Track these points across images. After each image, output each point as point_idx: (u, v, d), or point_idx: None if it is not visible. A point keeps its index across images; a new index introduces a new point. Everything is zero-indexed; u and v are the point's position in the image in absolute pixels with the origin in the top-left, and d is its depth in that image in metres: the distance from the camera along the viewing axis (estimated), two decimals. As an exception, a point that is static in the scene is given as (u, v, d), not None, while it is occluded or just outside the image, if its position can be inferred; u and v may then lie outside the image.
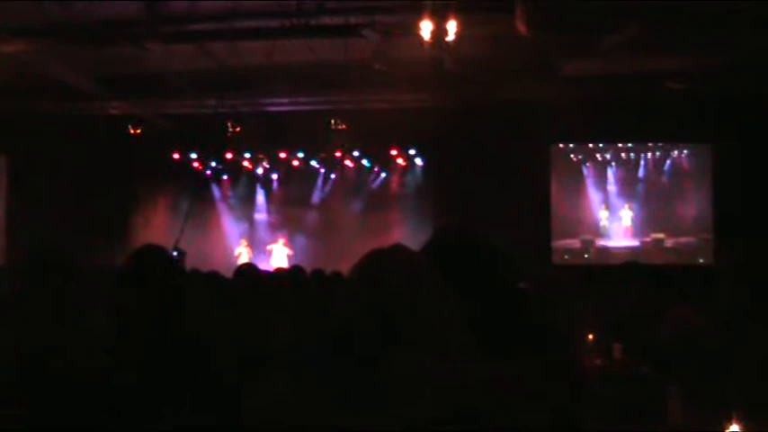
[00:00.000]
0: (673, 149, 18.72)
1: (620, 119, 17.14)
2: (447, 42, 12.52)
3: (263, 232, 20.63)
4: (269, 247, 19.64)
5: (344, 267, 8.92)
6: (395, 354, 1.77)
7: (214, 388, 2.85)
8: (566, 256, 18.49)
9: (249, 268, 6.17)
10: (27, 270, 3.44)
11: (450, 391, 1.72)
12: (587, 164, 19.04)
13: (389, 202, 19.92)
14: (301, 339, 4.64)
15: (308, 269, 8.29)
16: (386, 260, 2.02)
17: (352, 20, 13.11)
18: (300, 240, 19.97)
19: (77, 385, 2.70)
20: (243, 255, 19.46)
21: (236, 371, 3.19)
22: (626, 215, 18.76)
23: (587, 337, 5.88)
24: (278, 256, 19.36)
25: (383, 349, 1.79)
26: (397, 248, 2.06)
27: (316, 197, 20.59)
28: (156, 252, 3.64)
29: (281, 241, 19.68)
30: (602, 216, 18.87)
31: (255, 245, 20.09)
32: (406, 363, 1.74)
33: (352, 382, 1.76)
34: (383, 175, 20.19)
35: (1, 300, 4.56)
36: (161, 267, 3.51)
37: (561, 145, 18.94)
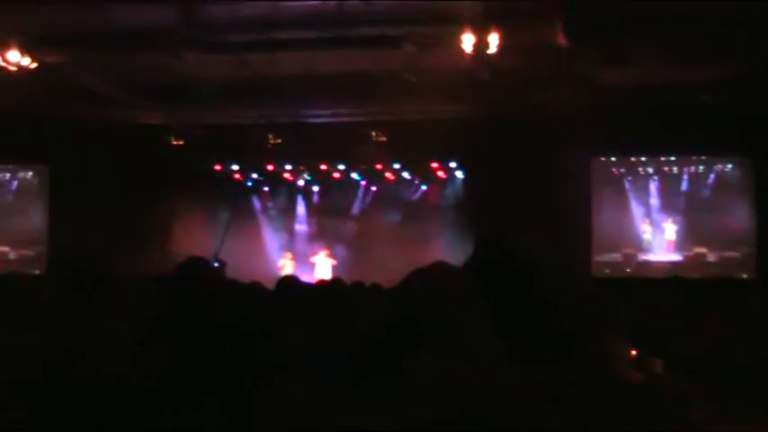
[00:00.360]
0: (716, 163, 18.50)
1: (662, 132, 16.94)
2: (487, 55, 12.50)
3: (303, 244, 20.67)
4: (312, 260, 19.63)
5: (383, 279, 8.89)
6: (420, 360, 1.77)
7: (240, 396, 2.85)
8: (606, 270, 18.29)
9: (291, 280, 6.16)
10: (62, 278, 3.46)
11: (463, 393, 1.72)
12: (629, 177, 18.85)
13: (429, 214, 19.88)
14: (329, 347, 4.64)
15: (348, 280, 8.27)
16: (426, 276, 2.02)
17: (390, 31, 13.13)
18: (340, 252, 19.96)
19: (101, 390, 2.72)
20: (286, 267, 19.47)
21: (267, 380, 3.18)
22: (669, 229, 18.54)
23: (628, 351, 5.81)
24: (322, 267, 19.35)
25: (411, 356, 1.79)
26: (439, 265, 2.06)
27: (356, 209, 20.60)
28: (201, 264, 3.65)
29: (324, 253, 19.68)
30: (645, 230, 18.68)
31: (296, 256, 20.12)
32: (428, 367, 1.74)
33: (372, 385, 1.76)
34: (423, 187, 20.18)
35: (38, 306, 4.60)
36: (205, 279, 3.52)
37: (603, 159, 18.79)
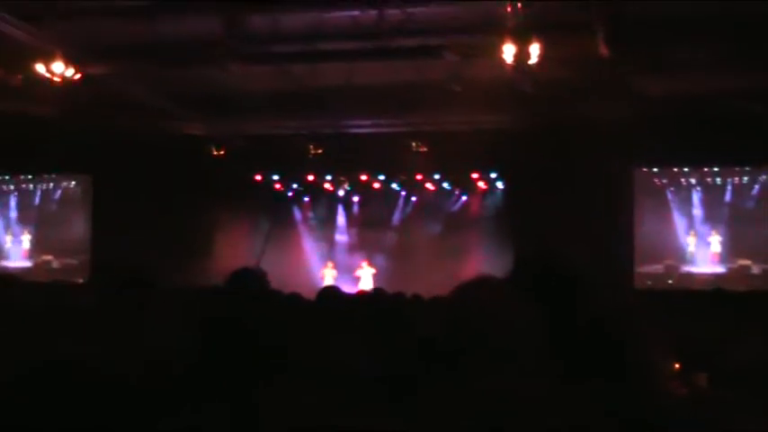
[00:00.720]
0: (760, 174, 18.30)
1: (705, 142, 16.77)
2: (529, 65, 12.47)
3: (343, 254, 20.70)
4: (357, 274, 19.63)
5: (423, 289, 8.90)
6: (470, 374, 1.79)
7: (283, 407, 2.87)
8: (648, 282, 18.14)
9: (332, 291, 6.17)
10: (106, 286, 3.50)
11: (514, 407, 1.72)
12: (671, 188, 18.70)
13: (469, 224, 19.83)
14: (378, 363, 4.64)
15: (388, 291, 8.28)
16: (473, 290, 2.03)
17: (432, 41, 13.15)
18: (380, 262, 19.95)
19: (145, 400, 2.75)
20: (327, 277, 19.50)
21: (308, 390, 3.20)
22: (714, 241, 18.33)
23: (671, 365, 5.76)
24: (365, 279, 19.33)
25: (460, 370, 1.80)
26: (485, 280, 2.07)
27: (396, 219, 20.59)
28: (254, 275, 3.68)
29: (365, 264, 19.71)
30: (688, 241, 18.51)
31: (336, 267, 20.15)
32: (478, 383, 1.75)
33: (418, 399, 1.77)
34: (463, 197, 20.15)
35: (81, 313, 4.65)
36: (257, 290, 3.56)
37: (645, 169, 18.67)
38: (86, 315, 3.86)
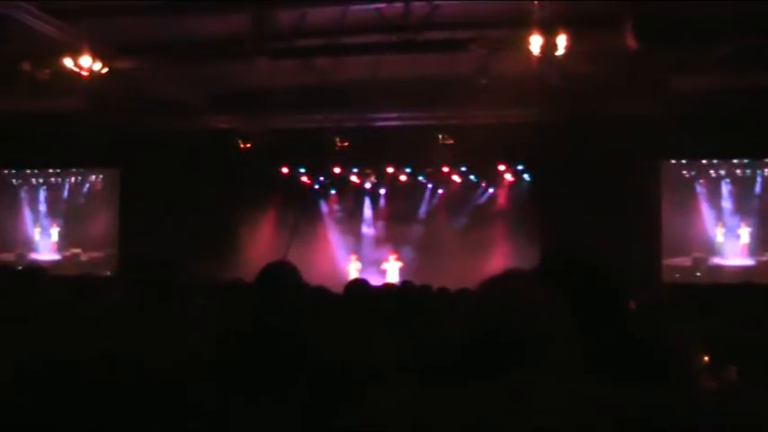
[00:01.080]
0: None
1: (734, 135, 16.67)
2: (555, 57, 12.43)
3: (370, 247, 20.73)
4: (383, 267, 19.63)
5: (450, 282, 8.91)
6: (502, 372, 1.79)
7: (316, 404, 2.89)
8: (676, 275, 18.06)
9: (359, 284, 6.19)
10: (132, 283, 3.53)
11: (550, 407, 1.73)
12: (700, 180, 18.59)
13: (496, 217, 19.80)
14: (406, 356, 4.66)
15: (415, 283, 8.29)
16: (503, 285, 2.03)
17: (458, 34, 13.13)
18: (406, 255, 19.93)
19: (174, 395, 2.77)
20: (352, 270, 19.55)
21: (339, 386, 3.22)
22: (744, 233, 18.21)
23: (701, 359, 5.74)
24: (392, 272, 19.32)
25: (490, 368, 1.81)
26: (515, 274, 2.07)
27: (422, 212, 20.60)
28: (288, 269, 3.70)
29: (393, 257, 19.69)
30: (717, 233, 18.40)
31: (363, 260, 20.18)
32: (512, 381, 1.76)
33: (449, 394, 1.78)
34: (490, 190, 20.13)
35: (108, 309, 4.70)
36: (292, 284, 3.58)
37: (673, 161, 18.57)
38: (117, 310, 3.89)
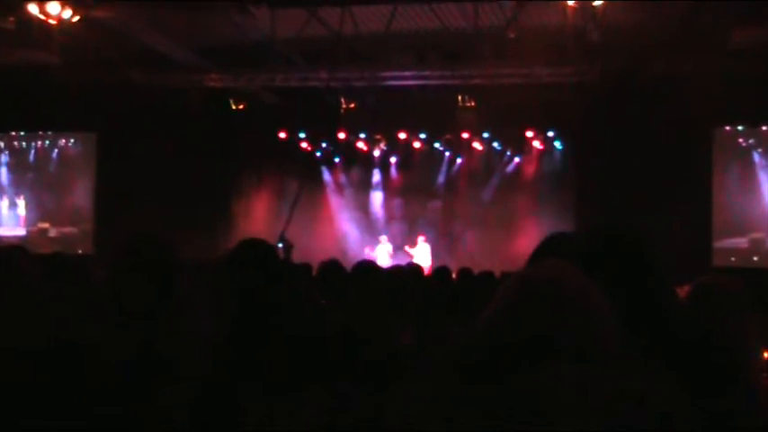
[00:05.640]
0: None
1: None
2: (594, 7, 12.42)
3: (378, 222, 20.71)
4: (409, 250, 18.97)
5: (472, 263, 8.93)
6: (551, 363, 1.84)
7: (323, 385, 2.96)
8: (731, 258, 18.00)
9: (367, 264, 6.24)
10: (119, 263, 3.57)
11: (603, 402, 1.78)
12: (759, 149, 18.50)
13: (523, 189, 19.82)
14: (423, 340, 4.74)
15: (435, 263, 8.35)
16: (544, 269, 2.07)
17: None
18: (421, 231, 19.86)
19: (165, 380, 2.85)
20: (382, 253, 18.97)
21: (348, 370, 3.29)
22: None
23: (758, 352, 5.75)
24: (421, 256, 18.37)
25: (538, 360, 1.85)
26: (554, 263, 2.10)
27: (439, 183, 20.60)
28: (257, 246, 3.74)
29: (421, 239, 19.21)
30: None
31: (371, 235, 20.06)
32: (561, 373, 1.80)
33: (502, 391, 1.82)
34: (516, 159, 20.12)
35: (92, 290, 4.76)
36: (260, 262, 3.62)
37: (728, 128, 18.50)
38: (102, 290, 3.94)
